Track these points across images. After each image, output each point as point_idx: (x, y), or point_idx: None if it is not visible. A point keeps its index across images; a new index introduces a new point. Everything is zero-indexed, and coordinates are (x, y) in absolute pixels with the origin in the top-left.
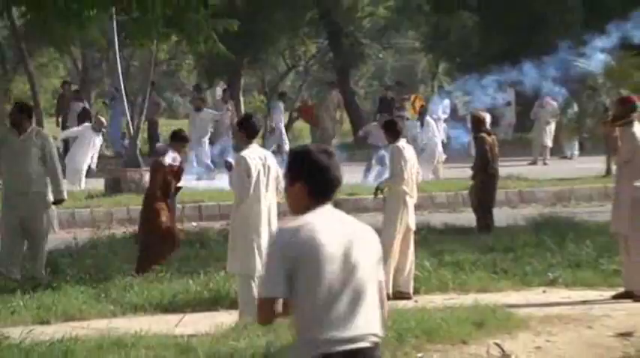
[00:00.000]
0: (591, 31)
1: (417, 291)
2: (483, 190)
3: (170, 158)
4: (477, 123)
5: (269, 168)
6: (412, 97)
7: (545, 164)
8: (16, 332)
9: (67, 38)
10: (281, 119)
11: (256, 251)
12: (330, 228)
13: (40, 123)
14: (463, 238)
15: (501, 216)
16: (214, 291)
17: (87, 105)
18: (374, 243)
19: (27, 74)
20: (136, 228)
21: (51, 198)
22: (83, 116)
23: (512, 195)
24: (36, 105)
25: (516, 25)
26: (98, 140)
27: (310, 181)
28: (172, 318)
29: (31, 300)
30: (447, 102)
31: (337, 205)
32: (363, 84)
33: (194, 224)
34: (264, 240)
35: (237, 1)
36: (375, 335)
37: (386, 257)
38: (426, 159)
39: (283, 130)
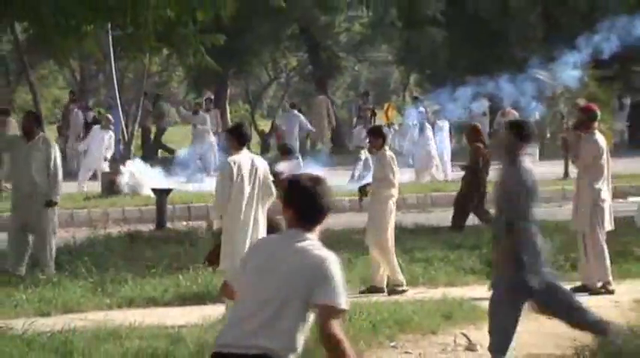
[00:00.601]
0: (550, 46)
1: (389, 286)
2: (467, 194)
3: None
4: (474, 133)
5: (256, 171)
6: (385, 106)
7: None
8: (18, 324)
9: (66, 51)
10: (294, 129)
11: (241, 249)
12: (269, 246)
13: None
14: (432, 237)
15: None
16: (202, 286)
17: (96, 114)
18: (307, 270)
19: (29, 84)
20: (130, 227)
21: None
22: (93, 124)
23: None
24: (38, 113)
25: (481, 40)
26: (107, 136)
27: (297, 208)
28: (163, 311)
29: (33, 294)
30: (421, 109)
31: None
32: (340, 94)
33: (184, 223)
34: (249, 239)
35: (223, 17)
36: (257, 347)
37: (386, 258)
38: (426, 164)
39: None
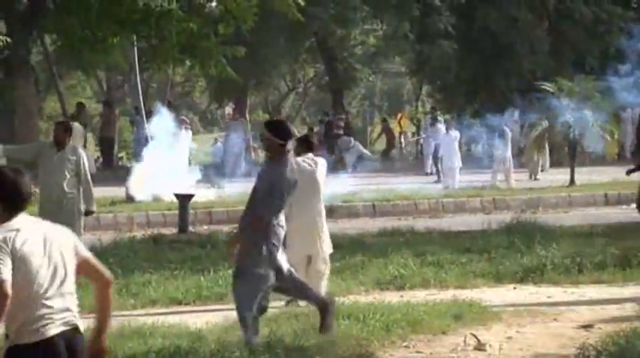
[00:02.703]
0: (556, 59)
1: (402, 287)
2: None
3: None
4: None
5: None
6: (399, 116)
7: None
8: None
9: (94, 63)
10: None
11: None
12: None
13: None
14: (443, 241)
15: (477, 221)
16: (223, 287)
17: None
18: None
19: (57, 94)
20: (153, 231)
21: (82, 207)
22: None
23: (487, 203)
24: (68, 123)
25: (490, 53)
26: (184, 135)
27: None
28: (185, 311)
29: None
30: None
31: (331, 211)
32: (355, 104)
33: (205, 227)
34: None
35: (243, 30)
36: None
37: None
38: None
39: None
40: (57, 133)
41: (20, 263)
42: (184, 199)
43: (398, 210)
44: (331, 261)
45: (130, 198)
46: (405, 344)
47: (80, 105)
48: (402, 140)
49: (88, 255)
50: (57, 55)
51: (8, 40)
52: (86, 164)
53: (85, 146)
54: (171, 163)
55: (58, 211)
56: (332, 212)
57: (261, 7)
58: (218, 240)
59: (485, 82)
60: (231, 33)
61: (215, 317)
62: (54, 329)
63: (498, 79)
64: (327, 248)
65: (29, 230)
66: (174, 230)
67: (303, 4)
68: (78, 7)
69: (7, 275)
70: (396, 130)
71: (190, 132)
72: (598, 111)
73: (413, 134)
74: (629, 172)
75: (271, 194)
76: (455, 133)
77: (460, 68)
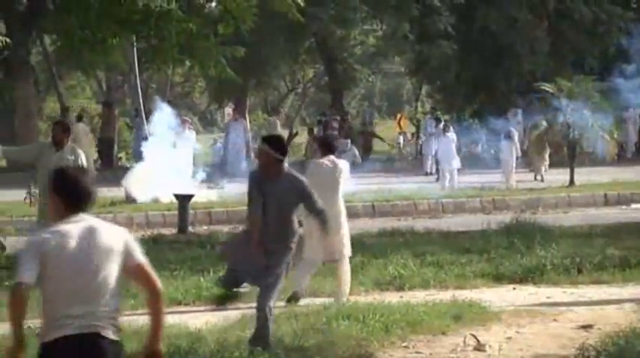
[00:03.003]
0: (556, 59)
1: (401, 288)
2: None
3: None
4: None
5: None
6: (398, 116)
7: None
8: None
9: (93, 63)
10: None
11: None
12: None
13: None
14: (443, 241)
15: (477, 221)
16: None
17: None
18: None
19: (57, 94)
20: (153, 231)
21: None
22: None
23: (487, 203)
24: (67, 122)
25: (490, 53)
26: (188, 135)
27: None
28: (185, 311)
29: None
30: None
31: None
32: (354, 104)
33: (205, 228)
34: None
35: (243, 30)
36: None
37: None
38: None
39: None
40: (55, 133)
41: (50, 264)
42: (184, 199)
43: (397, 210)
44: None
45: (129, 199)
46: (404, 344)
47: (82, 111)
48: (402, 140)
49: (141, 261)
50: (57, 56)
51: (8, 40)
52: (85, 164)
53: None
54: (176, 163)
55: None
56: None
57: (260, 7)
58: (218, 240)
59: (484, 83)
60: (231, 33)
61: (214, 318)
62: (68, 332)
63: (498, 79)
64: (348, 245)
65: (74, 232)
66: (174, 230)
67: (302, 4)
68: (77, 8)
69: (26, 277)
70: (396, 131)
71: (194, 133)
72: (598, 112)
73: (412, 134)
74: None
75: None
76: (452, 135)
77: (460, 68)
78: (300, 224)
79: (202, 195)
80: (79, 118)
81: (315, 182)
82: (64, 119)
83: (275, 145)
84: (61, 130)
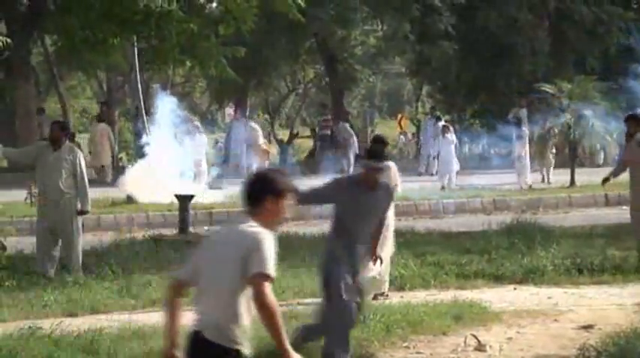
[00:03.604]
0: (557, 59)
1: (402, 288)
2: None
3: None
4: None
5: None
6: (399, 116)
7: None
8: (47, 324)
9: (94, 63)
10: (351, 136)
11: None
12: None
13: (72, 139)
14: (443, 241)
15: (477, 221)
16: None
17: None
18: (242, 246)
19: (58, 95)
20: (154, 231)
21: (78, 206)
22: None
23: (487, 204)
24: (64, 122)
25: (490, 53)
26: (199, 138)
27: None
28: (186, 311)
29: (61, 295)
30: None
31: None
32: (355, 104)
33: (205, 228)
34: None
35: (243, 31)
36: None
37: None
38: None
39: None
40: (52, 132)
41: (197, 262)
42: (185, 200)
43: (398, 210)
44: None
45: (130, 199)
46: (405, 344)
47: (104, 105)
48: (403, 140)
49: (254, 272)
50: (57, 56)
51: (9, 40)
52: (83, 164)
53: (112, 146)
54: (179, 162)
55: (54, 210)
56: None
57: (261, 7)
58: None
59: (485, 83)
60: (232, 33)
61: None
62: (192, 327)
63: (499, 79)
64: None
65: (221, 232)
66: (175, 230)
67: (303, 4)
68: (78, 8)
69: (181, 274)
70: (397, 131)
71: (205, 137)
72: (599, 112)
73: (413, 135)
74: (604, 181)
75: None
76: (452, 136)
77: (460, 69)
78: None
79: (206, 195)
80: (100, 119)
81: None
82: (63, 121)
83: (380, 157)
84: (59, 129)
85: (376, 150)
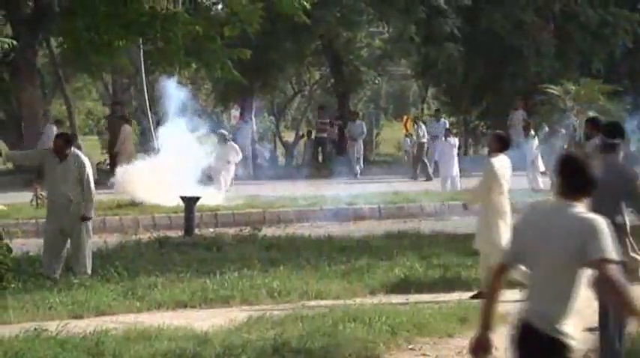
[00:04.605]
0: (562, 61)
1: (408, 290)
2: None
3: None
4: None
5: (509, 167)
6: (404, 118)
7: None
8: (52, 326)
9: (99, 65)
10: (363, 133)
11: (501, 232)
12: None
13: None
14: (449, 243)
15: None
16: (229, 290)
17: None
18: (578, 232)
19: (63, 97)
20: (159, 233)
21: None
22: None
23: None
24: (72, 124)
25: (496, 55)
26: (230, 147)
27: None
28: (191, 313)
29: (67, 297)
30: (444, 121)
31: (337, 214)
32: (360, 106)
33: (211, 230)
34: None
35: (249, 33)
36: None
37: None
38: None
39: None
40: (57, 145)
41: (520, 244)
42: (190, 202)
43: (404, 212)
44: (337, 264)
45: (135, 201)
46: (410, 346)
47: (115, 105)
48: (408, 143)
49: (598, 258)
50: (63, 58)
51: (14, 42)
52: (89, 171)
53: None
54: (196, 166)
55: (65, 213)
56: (338, 215)
57: (266, 9)
58: (224, 242)
59: (490, 85)
60: (237, 35)
61: (220, 320)
62: (522, 317)
63: (504, 81)
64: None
65: (539, 211)
66: (180, 232)
67: (308, 7)
68: (84, 10)
69: (506, 257)
70: (402, 133)
71: (234, 145)
72: (604, 114)
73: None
74: None
75: None
76: (454, 140)
77: (466, 71)
78: None
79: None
80: (126, 119)
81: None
82: (67, 133)
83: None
84: (63, 142)
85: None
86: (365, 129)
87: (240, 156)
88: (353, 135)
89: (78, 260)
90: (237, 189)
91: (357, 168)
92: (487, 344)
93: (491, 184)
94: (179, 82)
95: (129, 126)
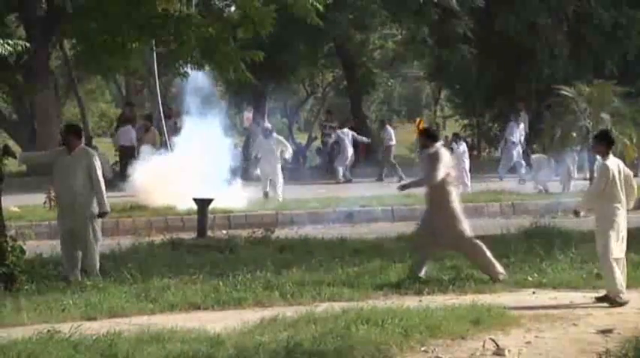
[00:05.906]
0: (576, 63)
1: (420, 292)
2: None
3: None
4: None
5: (622, 171)
6: (417, 120)
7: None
8: (65, 328)
9: (113, 67)
10: (391, 138)
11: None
12: None
13: (89, 143)
14: None
15: (496, 225)
16: (242, 292)
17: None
18: None
19: (77, 98)
20: (172, 235)
21: (96, 209)
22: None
23: (506, 207)
24: (85, 126)
25: (509, 57)
26: (273, 141)
27: None
28: (204, 315)
29: (80, 299)
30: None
31: (350, 216)
32: (374, 109)
33: (224, 232)
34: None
35: (262, 35)
36: None
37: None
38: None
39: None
40: (66, 136)
41: None
42: (203, 204)
43: (417, 214)
44: (349, 266)
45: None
46: (423, 348)
47: (127, 106)
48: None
49: None
50: (76, 60)
51: (28, 45)
52: (98, 166)
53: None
54: (217, 168)
55: (71, 213)
56: (350, 216)
57: (280, 11)
58: (237, 244)
59: (504, 87)
60: (250, 37)
61: (233, 322)
62: None
63: (517, 83)
64: None
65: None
66: (193, 234)
67: (322, 9)
68: (97, 12)
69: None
70: (415, 135)
71: (278, 137)
72: (617, 116)
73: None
74: None
75: None
76: (463, 147)
77: (479, 73)
78: None
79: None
80: (147, 128)
81: None
82: (73, 123)
83: None
84: (73, 134)
85: None
86: (393, 136)
87: (291, 149)
88: (383, 140)
89: (87, 260)
90: (250, 190)
91: (383, 172)
92: None
93: (604, 189)
94: (205, 73)
95: (154, 127)
